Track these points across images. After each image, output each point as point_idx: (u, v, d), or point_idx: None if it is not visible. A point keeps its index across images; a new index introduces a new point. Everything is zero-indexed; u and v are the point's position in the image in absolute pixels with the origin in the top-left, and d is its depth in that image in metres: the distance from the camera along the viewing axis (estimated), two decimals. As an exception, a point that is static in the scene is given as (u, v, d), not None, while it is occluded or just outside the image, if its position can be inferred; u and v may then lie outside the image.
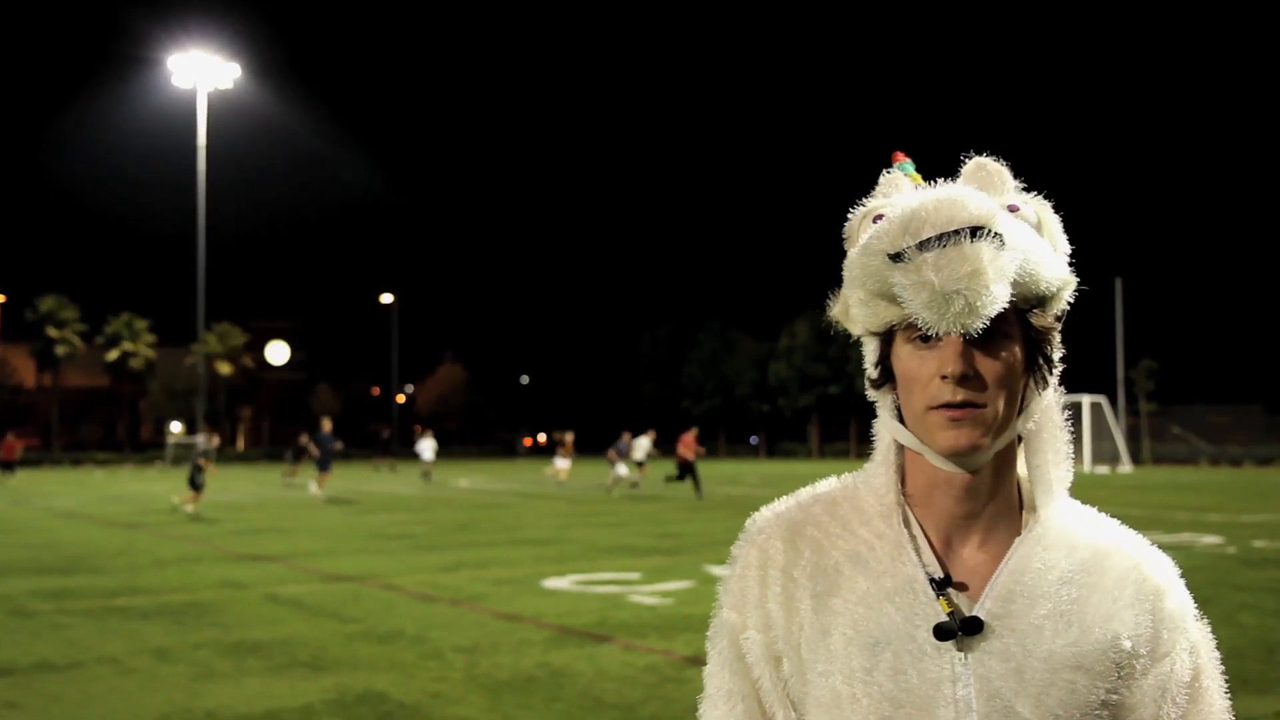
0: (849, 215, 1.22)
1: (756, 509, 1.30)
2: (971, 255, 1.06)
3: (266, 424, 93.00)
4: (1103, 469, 44.43)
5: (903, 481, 1.22)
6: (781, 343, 74.10)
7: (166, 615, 9.43)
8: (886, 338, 1.18)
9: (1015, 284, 1.10)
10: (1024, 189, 1.21)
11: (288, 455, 38.80)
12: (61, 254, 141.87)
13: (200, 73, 61.32)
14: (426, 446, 37.43)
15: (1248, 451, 52.98)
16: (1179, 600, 1.20)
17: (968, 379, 1.11)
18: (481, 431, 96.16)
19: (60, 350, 71.44)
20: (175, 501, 21.34)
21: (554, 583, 11.25)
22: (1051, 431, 1.20)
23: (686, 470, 26.77)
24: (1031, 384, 1.18)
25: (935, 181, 1.19)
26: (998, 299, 1.07)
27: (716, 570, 11.58)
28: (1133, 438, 54.48)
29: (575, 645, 7.99)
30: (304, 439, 31.26)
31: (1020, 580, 1.16)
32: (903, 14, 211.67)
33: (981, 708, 1.12)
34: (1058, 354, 1.20)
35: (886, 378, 1.20)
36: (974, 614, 1.14)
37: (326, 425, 28.50)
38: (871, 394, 1.24)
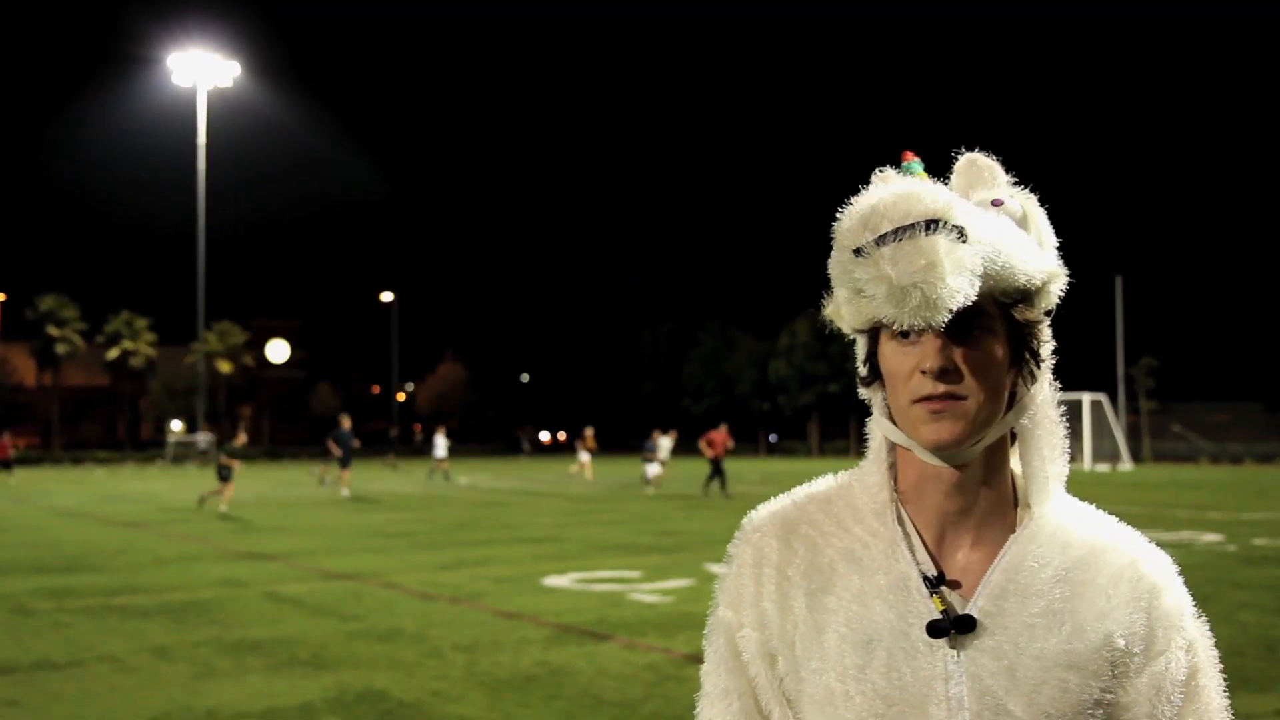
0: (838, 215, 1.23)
1: (755, 507, 1.30)
2: (927, 248, 1.06)
3: (267, 422, 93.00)
4: (1103, 467, 44.43)
5: (896, 479, 1.22)
6: (782, 341, 74.13)
7: (167, 614, 9.43)
8: (873, 336, 1.19)
9: (988, 277, 1.10)
10: (1015, 183, 1.21)
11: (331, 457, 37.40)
12: (62, 253, 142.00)
13: (200, 71, 61.33)
14: (440, 444, 37.18)
15: (1248, 449, 52.97)
16: (1176, 598, 1.19)
17: (947, 373, 1.11)
18: (481, 429, 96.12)
19: (60, 349, 71.43)
20: (222, 509, 21.26)
21: (554, 581, 11.25)
22: (1047, 428, 1.20)
23: (716, 470, 25.92)
24: (1020, 379, 1.17)
25: (934, 179, 1.19)
26: (956, 291, 1.06)
27: (716, 568, 11.54)
28: (1133, 436, 54.49)
29: (575, 643, 7.99)
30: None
31: (1013, 578, 1.16)
32: (903, 12, 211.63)
33: (973, 705, 1.12)
34: (1047, 348, 1.20)
35: (875, 375, 1.20)
36: (967, 612, 1.14)
37: (346, 422, 28.21)
38: (863, 392, 1.24)
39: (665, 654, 7.56)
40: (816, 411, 73.50)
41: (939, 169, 1.23)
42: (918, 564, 1.17)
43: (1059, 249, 1.21)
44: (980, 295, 1.10)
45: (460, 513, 21.72)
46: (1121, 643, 1.14)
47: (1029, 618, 1.14)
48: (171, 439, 64.76)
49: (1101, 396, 46.06)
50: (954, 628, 1.13)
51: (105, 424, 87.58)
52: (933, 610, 1.14)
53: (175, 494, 29.68)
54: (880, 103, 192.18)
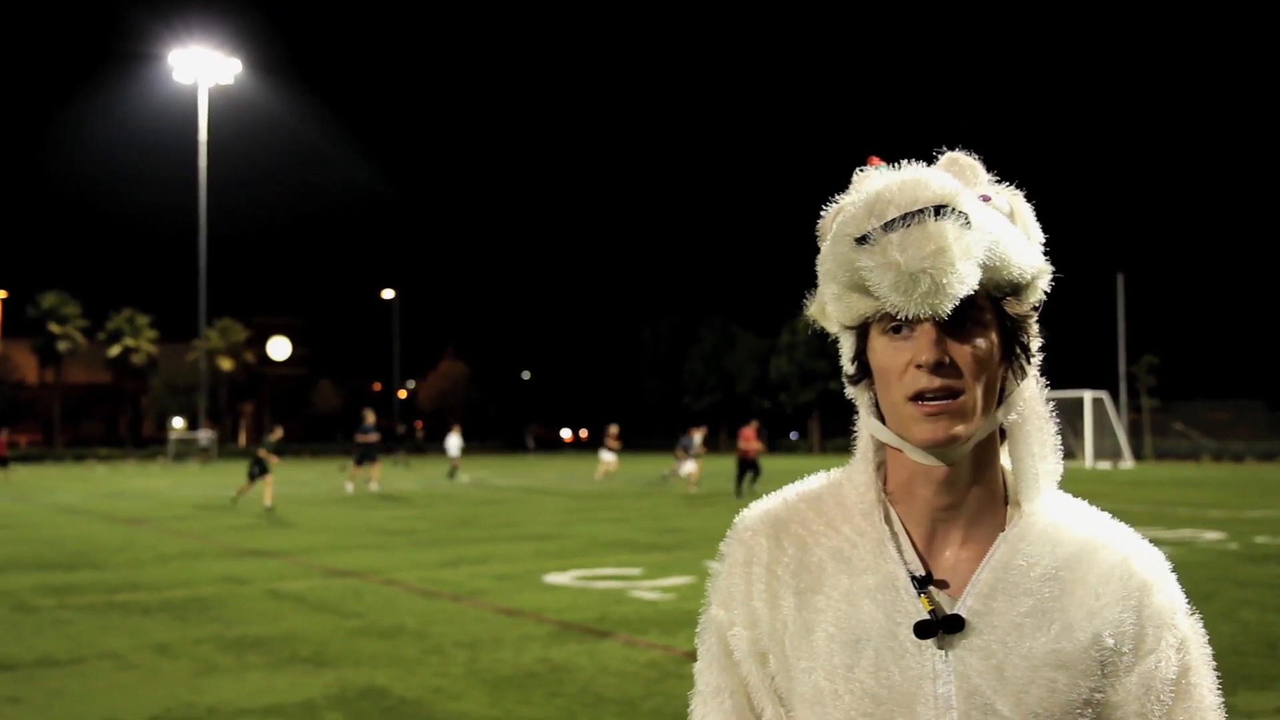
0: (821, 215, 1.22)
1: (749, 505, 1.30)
2: (936, 233, 1.06)
3: (268, 419, 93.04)
4: (1104, 465, 44.40)
5: (885, 478, 1.22)
6: (783, 338, 74.07)
7: (168, 610, 9.44)
8: (862, 332, 1.18)
9: (985, 269, 1.10)
10: (997, 181, 1.21)
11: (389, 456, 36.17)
12: (63, 250, 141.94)
13: (201, 68, 61.32)
14: (453, 443, 37.05)
15: (1250, 447, 52.90)
16: (1167, 596, 1.18)
17: (942, 366, 1.10)
18: (483, 427, 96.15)
19: (62, 346, 71.47)
20: (267, 504, 21.33)
21: (555, 578, 11.26)
22: (1036, 424, 1.19)
23: (748, 467, 24.78)
24: (1010, 374, 1.17)
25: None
26: (964, 278, 1.06)
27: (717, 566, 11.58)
28: (1134, 434, 54.47)
29: (576, 640, 8.00)
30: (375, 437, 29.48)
31: (1002, 577, 1.15)
32: (904, 10, 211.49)
33: (961, 705, 1.12)
34: (1036, 344, 1.19)
35: (864, 373, 1.19)
36: (955, 611, 1.14)
37: (370, 418, 28.01)
38: (850, 391, 1.23)
39: (666, 651, 7.57)
40: (818, 409, 73.48)
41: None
42: (905, 564, 1.17)
43: (1048, 246, 1.20)
44: (975, 288, 1.09)
45: (461, 510, 21.73)
46: (1110, 641, 1.14)
47: (1018, 617, 1.14)
48: (173, 436, 64.70)
49: (1103, 394, 46.02)
50: (942, 628, 1.12)
51: (107, 421, 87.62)
52: (921, 610, 1.14)
53: (177, 491, 29.70)
54: (881, 99, 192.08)
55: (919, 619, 1.13)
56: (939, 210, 1.06)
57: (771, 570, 1.21)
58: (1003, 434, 1.20)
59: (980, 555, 1.17)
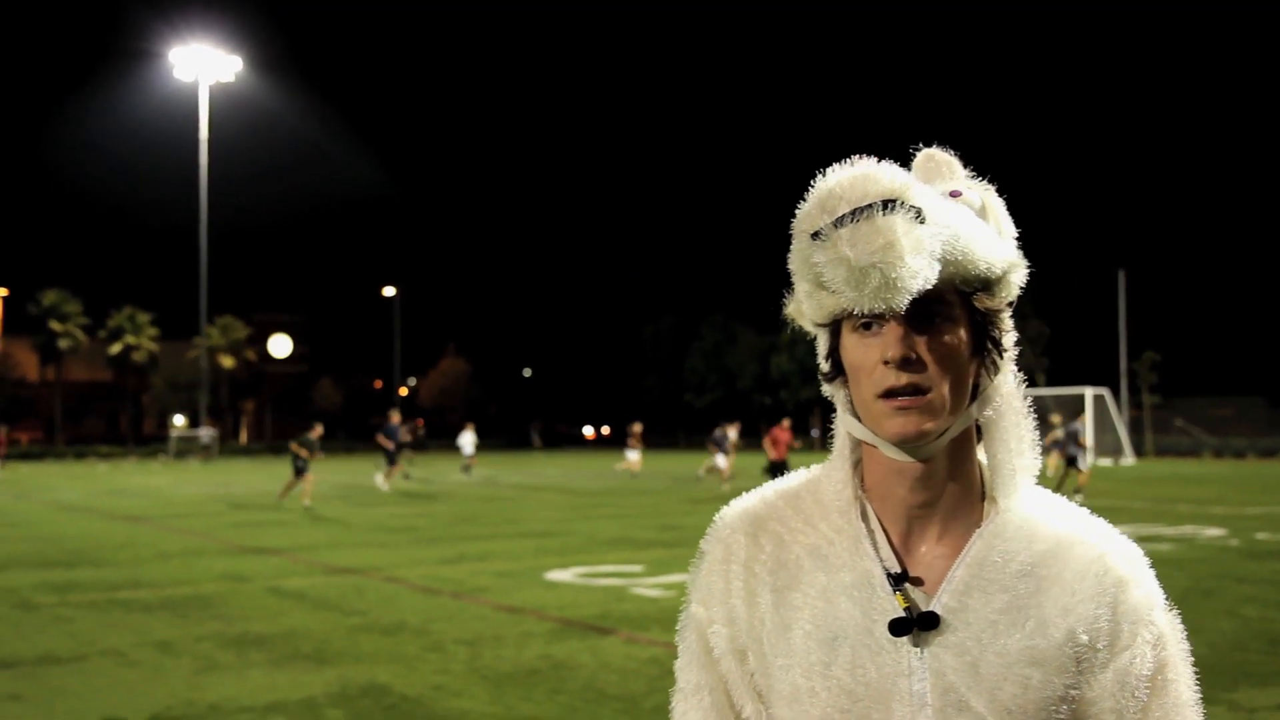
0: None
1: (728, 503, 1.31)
2: (884, 228, 1.05)
3: (269, 417, 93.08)
4: (1105, 461, 44.38)
5: (862, 475, 1.22)
6: (784, 336, 74.06)
7: (169, 608, 9.45)
8: (835, 330, 1.18)
9: (949, 263, 1.09)
10: (973, 176, 1.21)
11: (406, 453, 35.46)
12: (64, 248, 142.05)
13: (202, 66, 61.32)
14: (467, 440, 37.00)
15: (1251, 444, 52.89)
16: (1144, 592, 1.17)
17: (910, 362, 1.10)
18: (484, 425, 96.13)
19: (63, 344, 71.48)
20: (306, 503, 21.37)
21: (556, 575, 11.26)
22: (1012, 419, 1.19)
23: (780, 470, 22.92)
24: (983, 370, 1.16)
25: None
26: (917, 272, 1.05)
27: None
28: (1136, 430, 54.42)
29: (578, 638, 8.00)
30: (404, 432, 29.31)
31: (978, 573, 1.15)
32: (906, 9, 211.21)
33: (936, 702, 1.12)
34: (1010, 339, 1.19)
35: (838, 371, 1.19)
36: (930, 608, 1.14)
37: (395, 417, 27.92)
38: (826, 389, 1.23)
39: (667, 648, 7.57)
40: (819, 406, 73.51)
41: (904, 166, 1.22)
42: (881, 561, 1.17)
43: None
44: (941, 283, 1.09)
45: (463, 507, 21.74)
46: (1085, 638, 1.13)
47: (993, 614, 1.13)
48: (174, 434, 64.72)
49: (1104, 391, 45.99)
50: (918, 625, 1.12)
51: (108, 419, 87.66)
52: (896, 607, 1.13)
53: (178, 489, 29.70)
54: (882, 96, 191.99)
55: (894, 616, 1.13)
56: (887, 205, 1.06)
57: (749, 568, 1.22)
58: (980, 430, 1.20)
59: (956, 552, 1.17)
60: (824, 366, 1.21)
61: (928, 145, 1.24)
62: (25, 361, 78.81)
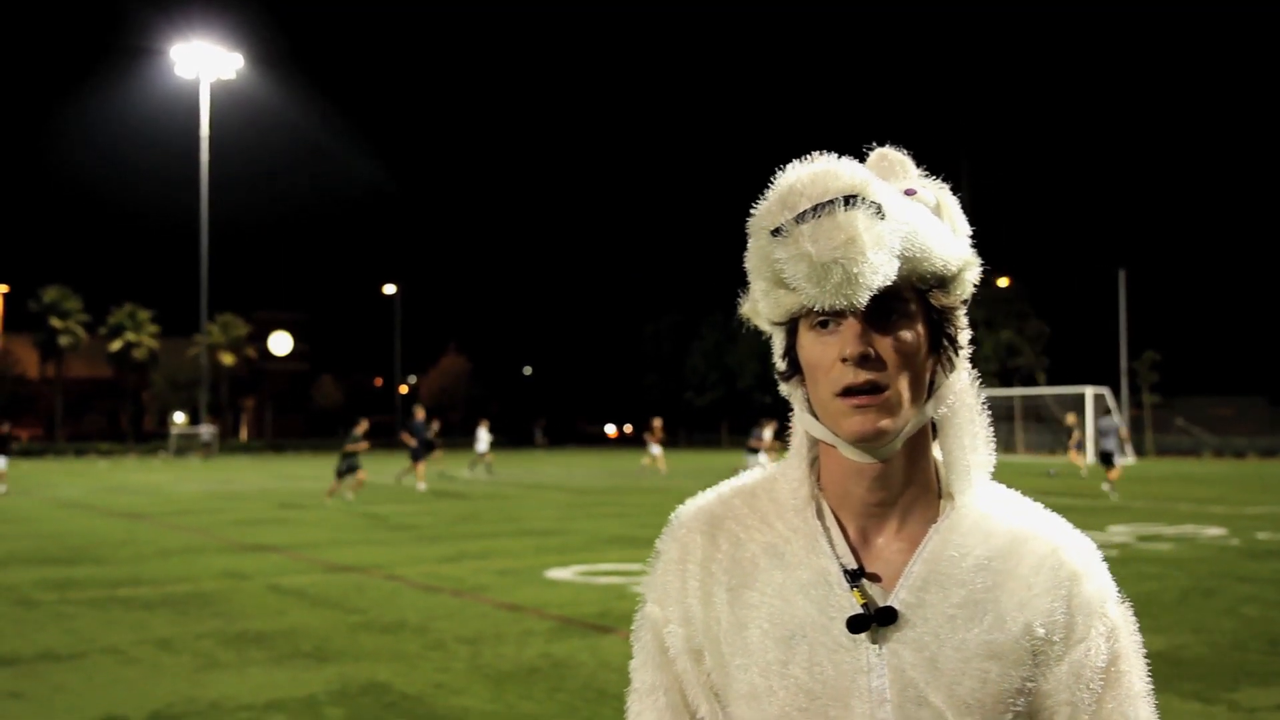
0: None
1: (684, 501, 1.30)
2: (846, 223, 1.05)
3: (269, 415, 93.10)
4: (1106, 461, 44.39)
5: (819, 474, 1.22)
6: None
7: (170, 605, 9.45)
8: (791, 329, 1.18)
9: (906, 260, 1.09)
10: (926, 175, 1.21)
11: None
12: (65, 245, 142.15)
13: (203, 63, 61.33)
14: (482, 437, 36.99)
15: (1251, 443, 52.91)
16: (1098, 585, 1.17)
17: (868, 360, 1.10)
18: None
19: (64, 341, 71.52)
20: (348, 498, 21.51)
21: (557, 573, 11.26)
22: (967, 416, 1.19)
23: None
24: (939, 367, 1.17)
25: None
26: (878, 268, 1.05)
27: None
28: (1136, 429, 54.43)
29: (578, 636, 8.00)
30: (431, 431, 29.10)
31: (934, 569, 1.15)
32: (907, 9, 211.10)
33: (895, 698, 1.12)
34: (964, 335, 1.19)
35: (794, 370, 1.19)
36: (888, 604, 1.14)
37: (420, 414, 27.86)
38: (783, 388, 1.23)
39: (667, 647, 7.56)
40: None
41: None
42: (838, 558, 1.17)
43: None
44: (899, 281, 1.09)
45: (463, 505, 21.74)
46: (1041, 631, 1.14)
47: (950, 608, 1.14)
48: (174, 431, 64.78)
49: (1104, 390, 46.02)
50: (876, 621, 1.12)
51: (108, 416, 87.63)
52: (854, 604, 1.14)
53: (178, 486, 29.71)
54: (883, 96, 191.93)
55: (852, 613, 1.13)
56: (849, 200, 1.06)
57: (706, 567, 1.22)
58: (935, 427, 1.20)
59: (913, 548, 1.17)
60: (780, 366, 1.21)
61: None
62: (25, 358, 78.78)
